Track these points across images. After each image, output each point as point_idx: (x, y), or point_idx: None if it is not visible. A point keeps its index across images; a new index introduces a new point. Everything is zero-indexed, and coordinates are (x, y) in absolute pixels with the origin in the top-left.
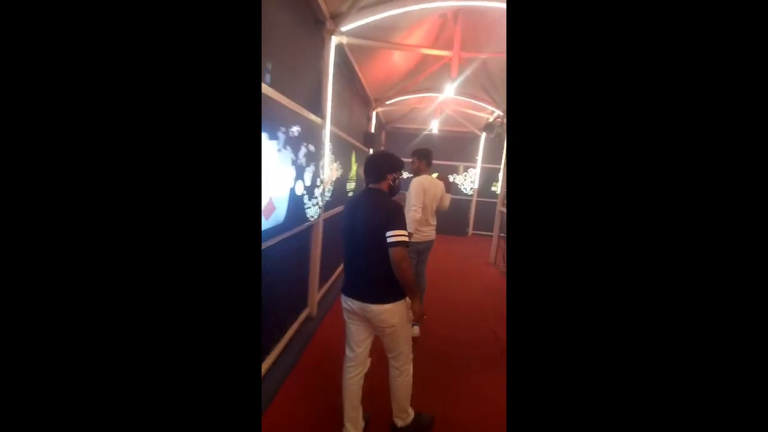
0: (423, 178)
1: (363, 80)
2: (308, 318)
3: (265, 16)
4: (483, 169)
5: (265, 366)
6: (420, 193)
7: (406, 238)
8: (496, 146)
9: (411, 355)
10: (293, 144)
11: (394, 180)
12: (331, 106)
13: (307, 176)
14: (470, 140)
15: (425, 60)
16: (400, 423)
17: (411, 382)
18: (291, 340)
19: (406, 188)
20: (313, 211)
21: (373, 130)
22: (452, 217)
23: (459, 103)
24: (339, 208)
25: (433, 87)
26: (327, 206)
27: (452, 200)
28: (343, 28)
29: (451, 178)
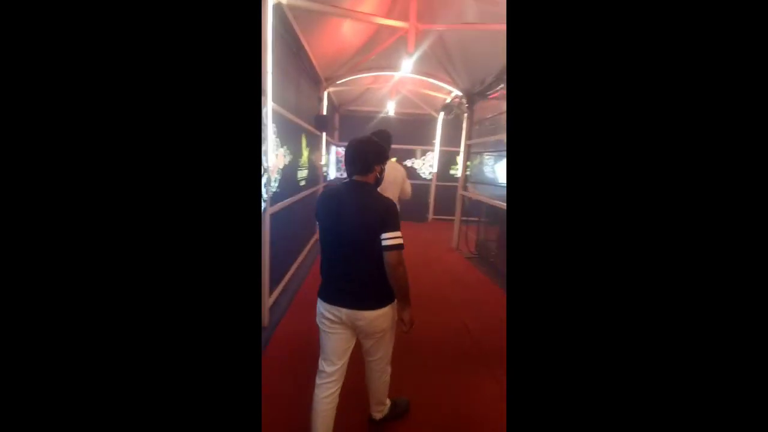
0: None
1: (311, 54)
2: None
3: None
4: (441, 153)
5: None
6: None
7: (402, 241)
8: (453, 129)
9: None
10: None
11: (380, 172)
12: (273, 82)
13: None
14: (427, 122)
15: (379, 33)
16: (378, 416)
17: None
18: None
19: None
20: None
21: (325, 113)
22: (412, 203)
23: (416, 83)
24: (288, 201)
25: (388, 65)
26: (275, 198)
27: (412, 185)
28: None
29: (409, 163)
